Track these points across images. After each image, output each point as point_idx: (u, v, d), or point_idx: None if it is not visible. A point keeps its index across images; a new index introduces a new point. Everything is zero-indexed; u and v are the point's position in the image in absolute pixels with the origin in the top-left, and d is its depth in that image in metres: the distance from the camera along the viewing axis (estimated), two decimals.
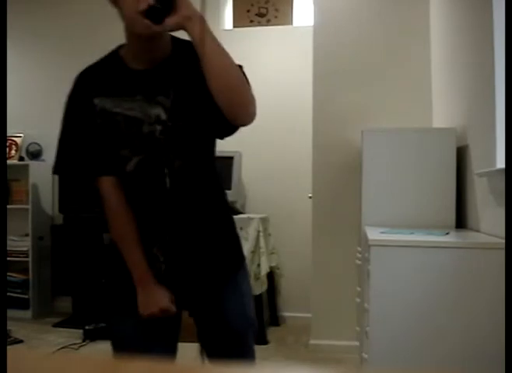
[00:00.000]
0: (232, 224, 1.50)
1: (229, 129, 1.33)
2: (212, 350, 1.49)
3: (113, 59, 1.36)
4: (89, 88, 1.34)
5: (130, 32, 1.28)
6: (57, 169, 1.40)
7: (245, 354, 1.49)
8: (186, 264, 1.40)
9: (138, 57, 1.32)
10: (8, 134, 4.33)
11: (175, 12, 1.17)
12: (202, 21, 1.18)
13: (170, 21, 1.18)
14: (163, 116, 1.30)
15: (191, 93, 1.31)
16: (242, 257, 1.53)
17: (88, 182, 1.42)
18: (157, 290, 1.39)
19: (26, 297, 4.29)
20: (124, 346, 1.42)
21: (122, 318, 1.42)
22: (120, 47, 1.37)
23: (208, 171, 1.41)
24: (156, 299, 1.37)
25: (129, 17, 1.22)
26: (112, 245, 1.44)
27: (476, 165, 2.47)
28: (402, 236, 2.16)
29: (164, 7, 1.16)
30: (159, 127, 1.30)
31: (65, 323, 4.09)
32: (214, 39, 1.21)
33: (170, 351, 1.47)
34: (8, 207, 4.16)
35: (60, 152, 1.38)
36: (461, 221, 2.73)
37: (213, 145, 1.43)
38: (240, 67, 1.29)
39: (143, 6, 1.17)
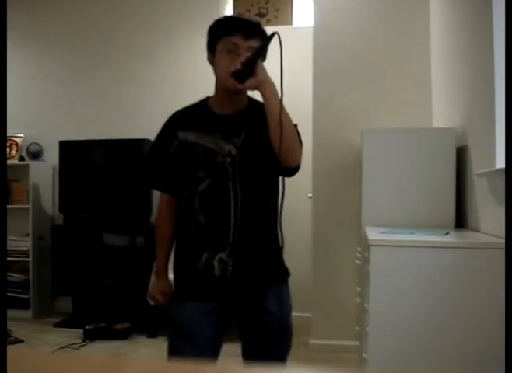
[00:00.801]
0: (280, 244, 1.79)
1: (284, 171, 1.66)
2: (248, 351, 1.78)
3: (201, 105, 1.75)
4: (176, 123, 1.72)
5: (220, 85, 1.67)
6: (144, 181, 1.83)
7: (276, 358, 1.73)
8: (248, 271, 1.68)
9: (222, 105, 1.70)
10: (8, 134, 4.33)
11: (254, 76, 1.59)
12: (272, 86, 1.62)
13: (250, 82, 1.59)
14: (234, 151, 1.66)
15: (256, 138, 1.66)
16: (288, 272, 1.82)
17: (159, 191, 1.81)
18: (159, 282, 1.78)
19: (27, 297, 4.30)
20: (182, 322, 1.67)
21: (188, 300, 1.68)
22: (208, 97, 1.75)
23: (267, 198, 1.72)
24: (154, 288, 1.78)
25: (222, 75, 1.63)
26: (189, 248, 1.71)
27: (476, 165, 2.47)
28: (402, 236, 2.16)
29: (247, 71, 1.57)
30: (228, 159, 1.65)
31: (65, 323, 4.09)
32: (278, 101, 1.60)
33: (218, 337, 1.71)
34: (8, 207, 4.16)
35: (144, 168, 1.80)
36: (461, 221, 2.73)
37: (274, 180, 1.74)
38: (296, 126, 1.70)
39: (232, 69, 1.58)
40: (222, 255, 1.66)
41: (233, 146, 1.66)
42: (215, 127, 1.69)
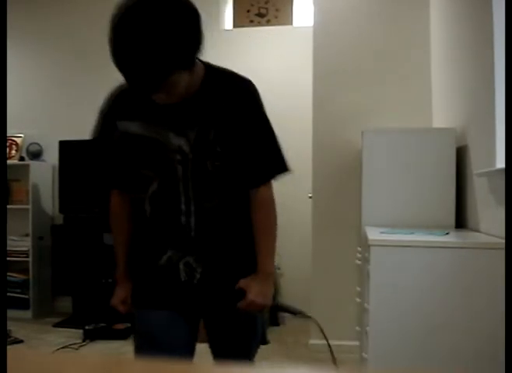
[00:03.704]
0: (251, 244, 1.55)
1: (253, 181, 1.47)
2: (217, 353, 1.62)
3: None
4: (113, 112, 1.45)
5: None
6: (101, 180, 1.60)
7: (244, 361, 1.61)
8: (216, 279, 1.51)
9: None
10: (8, 134, 4.33)
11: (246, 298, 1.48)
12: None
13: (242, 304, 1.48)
14: (186, 147, 1.39)
15: (219, 131, 1.39)
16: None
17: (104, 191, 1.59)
18: (119, 289, 1.60)
19: (26, 297, 4.29)
20: (147, 334, 1.51)
21: (149, 307, 1.52)
22: None
23: (230, 205, 1.48)
24: (114, 296, 1.60)
25: None
26: (146, 248, 1.55)
27: (476, 165, 2.47)
28: (402, 236, 2.16)
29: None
30: (178, 157, 1.40)
31: (65, 323, 4.09)
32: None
33: (188, 345, 1.56)
34: (8, 207, 4.16)
35: (99, 165, 1.58)
36: (460, 221, 2.73)
37: (239, 187, 1.48)
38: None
39: None
40: (190, 259, 1.47)
41: (185, 140, 1.38)
42: (162, 115, 1.39)
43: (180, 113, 1.39)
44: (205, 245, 1.47)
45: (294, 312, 1.65)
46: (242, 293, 1.48)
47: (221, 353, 1.61)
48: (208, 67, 1.43)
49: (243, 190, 1.48)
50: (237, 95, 1.42)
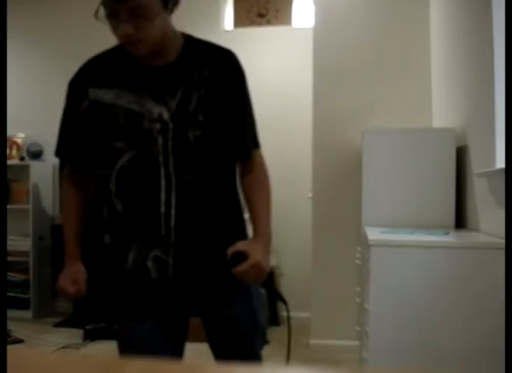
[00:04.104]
0: (243, 230, 1.46)
1: (238, 154, 1.40)
2: (219, 352, 1.48)
3: (122, 51, 1.32)
4: (86, 78, 1.35)
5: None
6: (56, 152, 1.44)
7: (250, 357, 1.48)
8: (194, 269, 1.36)
9: (149, 56, 1.30)
10: (8, 135, 4.33)
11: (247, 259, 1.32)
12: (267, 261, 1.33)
13: (242, 268, 1.31)
14: (166, 115, 1.29)
15: (201, 100, 1.31)
16: None
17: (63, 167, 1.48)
18: (68, 268, 1.42)
19: (27, 297, 4.29)
20: (131, 347, 1.39)
21: (129, 319, 1.39)
22: None
23: (214, 180, 1.36)
24: (62, 277, 1.41)
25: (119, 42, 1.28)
26: (112, 246, 1.44)
27: (476, 165, 2.47)
28: (402, 236, 2.16)
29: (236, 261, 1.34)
30: (158, 126, 1.29)
31: (65, 323, 4.09)
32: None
33: (176, 353, 1.45)
34: (8, 207, 4.16)
35: (58, 136, 1.43)
36: (460, 221, 2.73)
37: (221, 159, 1.38)
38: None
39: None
40: (157, 252, 1.32)
41: (166, 108, 1.29)
42: (140, 82, 1.30)
43: (160, 79, 1.31)
44: (185, 228, 1.31)
45: (283, 300, 1.50)
46: (238, 259, 1.31)
47: (222, 352, 1.47)
48: (189, 36, 1.38)
49: (226, 162, 1.39)
50: (221, 63, 1.36)
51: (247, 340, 1.48)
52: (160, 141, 1.29)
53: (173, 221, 1.31)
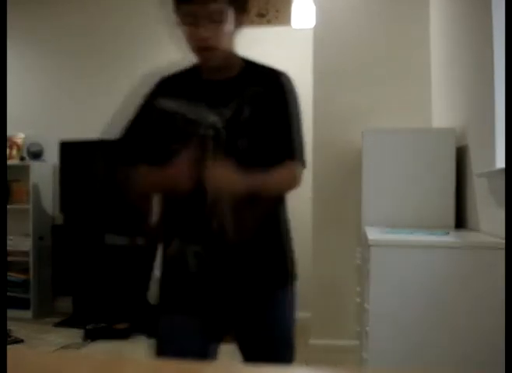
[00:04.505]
0: (282, 240, 1.58)
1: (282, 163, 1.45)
2: (247, 355, 1.54)
3: (191, 68, 1.51)
4: (158, 90, 1.51)
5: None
6: (116, 154, 1.57)
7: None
8: (230, 269, 1.45)
9: (215, 69, 1.46)
10: (8, 135, 4.33)
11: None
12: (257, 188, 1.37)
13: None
14: (220, 124, 1.42)
15: (253, 113, 1.43)
16: (287, 274, 1.62)
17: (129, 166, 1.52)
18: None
19: (27, 297, 4.30)
20: (165, 340, 1.47)
21: (165, 311, 1.47)
22: None
23: None
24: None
25: (191, 50, 1.42)
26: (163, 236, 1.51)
27: (476, 165, 2.47)
28: (402, 236, 2.16)
29: None
30: (211, 132, 1.42)
31: (66, 323, 4.09)
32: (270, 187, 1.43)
33: (208, 351, 1.50)
34: (8, 207, 4.16)
35: (119, 138, 1.54)
36: (460, 221, 2.73)
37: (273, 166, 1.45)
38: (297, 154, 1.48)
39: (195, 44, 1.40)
40: (198, 248, 1.43)
41: (220, 118, 1.42)
42: (200, 94, 1.45)
43: (218, 92, 1.45)
44: (226, 229, 1.41)
45: None
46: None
47: (250, 356, 1.53)
48: (246, 59, 1.53)
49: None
50: (274, 82, 1.49)
51: (273, 347, 1.55)
52: (211, 146, 1.41)
53: (216, 222, 1.41)
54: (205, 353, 1.48)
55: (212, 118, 1.42)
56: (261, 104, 1.44)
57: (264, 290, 1.49)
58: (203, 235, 1.42)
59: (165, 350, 1.46)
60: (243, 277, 1.46)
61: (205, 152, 1.40)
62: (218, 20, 1.35)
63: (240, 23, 1.44)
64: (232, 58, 1.48)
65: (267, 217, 1.49)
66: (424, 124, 3.43)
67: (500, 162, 2.05)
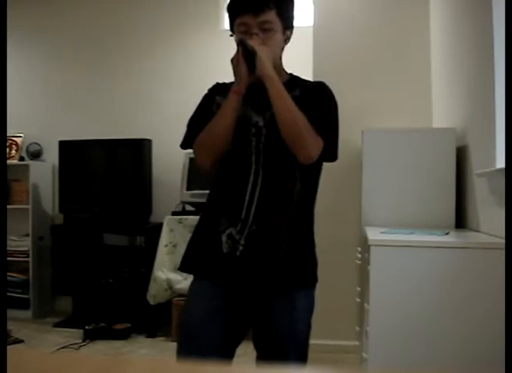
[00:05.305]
0: (313, 245, 1.73)
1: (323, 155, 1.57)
2: (260, 353, 1.66)
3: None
4: (215, 90, 1.69)
5: None
6: (183, 143, 1.69)
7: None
8: (261, 254, 1.56)
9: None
10: (8, 134, 4.33)
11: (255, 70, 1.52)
12: (271, 80, 1.51)
13: (252, 77, 1.52)
14: (261, 123, 1.58)
15: None
16: (313, 276, 1.73)
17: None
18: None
19: (26, 297, 4.29)
20: (195, 297, 1.61)
21: (197, 301, 1.60)
22: None
23: (294, 183, 1.59)
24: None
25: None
26: (204, 216, 1.67)
27: (476, 165, 2.47)
28: (402, 236, 2.16)
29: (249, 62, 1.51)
30: (253, 130, 1.58)
31: (65, 323, 4.09)
32: (279, 96, 1.52)
33: (228, 343, 1.61)
34: (8, 207, 4.15)
35: (188, 128, 1.69)
36: (461, 221, 2.73)
37: (308, 166, 1.56)
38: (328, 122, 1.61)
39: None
40: (233, 230, 1.56)
41: (262, 117, 1.58)
42: (248, 96, 1.58)
43: (263, 94, 1.55)
44: (261, 217, 1.55)
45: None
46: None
47: (262, 354, 1.63)
48: (292, 74, 1.75)
49: (308, 169, 1.59)
50: (312, 86, 1.69)
51: (284, 348, 1.61)
52: (254, 142, 1.58)
53: (253, 209, 1.55)
54: (223, 343, 1.59)
55: (256, 118, 1.59)
56: (302, 105, 1.54)
57: (289, 286, 1.60)
58: (239, 220, 1.55)
59: (191, 307, 1.60)
60: (272, 269, 1.56)
61: (247, 147, 1.57)
62: (268, 28, 1.54)
63: (286, 37, 1.66)
64: (280, 67, 1.65)
65: (298, 216, 1.62)
66: (424, 124, 3.43)
67: (500, 162, 2.05)
